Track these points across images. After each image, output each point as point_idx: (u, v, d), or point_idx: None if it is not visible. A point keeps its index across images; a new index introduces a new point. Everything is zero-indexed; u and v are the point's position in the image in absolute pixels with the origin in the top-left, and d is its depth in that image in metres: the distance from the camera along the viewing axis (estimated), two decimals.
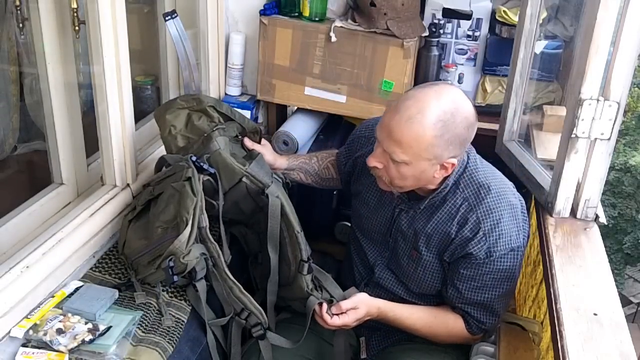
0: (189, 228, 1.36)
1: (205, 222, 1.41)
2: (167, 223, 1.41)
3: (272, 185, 1.51)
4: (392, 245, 1.58)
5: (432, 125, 1.32)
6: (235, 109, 1.67)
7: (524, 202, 1.51)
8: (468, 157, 1.49)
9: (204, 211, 1.41)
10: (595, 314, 1.27)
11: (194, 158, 1.46)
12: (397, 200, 1.55)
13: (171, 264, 1.36)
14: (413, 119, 1.33)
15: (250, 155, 1.58)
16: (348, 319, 1.45)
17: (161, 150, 1.83)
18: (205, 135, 1.54)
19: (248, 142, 1.65)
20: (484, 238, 1.43)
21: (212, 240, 1.43)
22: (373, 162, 1.43)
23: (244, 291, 1.46)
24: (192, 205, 1.38)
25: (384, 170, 1.43)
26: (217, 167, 1.49)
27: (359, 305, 1.46)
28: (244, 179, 1.51)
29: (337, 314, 1.45)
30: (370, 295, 1.51)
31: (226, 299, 1.48)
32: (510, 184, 1.52)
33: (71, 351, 1.22)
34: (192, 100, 1.60)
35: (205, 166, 1.46)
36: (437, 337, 1.56)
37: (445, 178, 1.46)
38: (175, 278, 1.38)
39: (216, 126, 1.56)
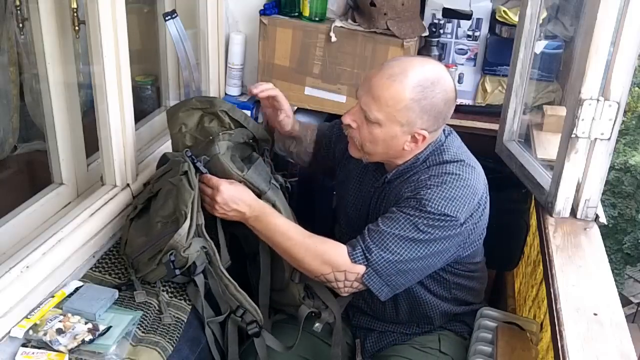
0: (188, 221, 1.37)
1: (201, 219, 1.41)
2: (166, 218, 1.42)
3: (269, 192, 1.51)
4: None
5: (412, 87, 1.34)
6: (250, 118, 1.65)
7: (488, 203, 1.48)
8: (447, 137, 1.48)
9: (200, 208, 1.41)
10: (595, 314, 1.27)
11: (189, 153, 1.45)
12: (372, 180, 1.55)
13: (172, 258, 1.36)
14: (395, 77, 1.35)
15: (250, 159, 1.58)
16: (205, 197, 1.41)
17: (161, 150, 1.84)
18: (210, 137, 1.54)
19: (254, 90, 1.59)
20: (424, 189, 1.39)
21: (208, 237, 1.43)
22: (348, 119, 1.43)
23: (239, 289, 1.46)
24: (190, 198, 1.38)
25: (357, 131, 1.43)
26: (215, 171, 1.48)
27: (221, 190, 1.40)
28: None
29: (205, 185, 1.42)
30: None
31: (222, 296, 1.48)
32: (484, 177, 1.48)
33: (71, 351, 1.22)
34: (207, 102, 1.59)
35: (200, 166, 1.45)
36: (308, 251, 1.41)
37: (419, 154, 1.45)
38: (177, 272, 1.38)
39: (224, 131, 1.56)
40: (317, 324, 1.53)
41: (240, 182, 1.49)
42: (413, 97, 1.35)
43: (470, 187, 1.41)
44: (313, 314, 1.54)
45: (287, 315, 1.63)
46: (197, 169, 1.44)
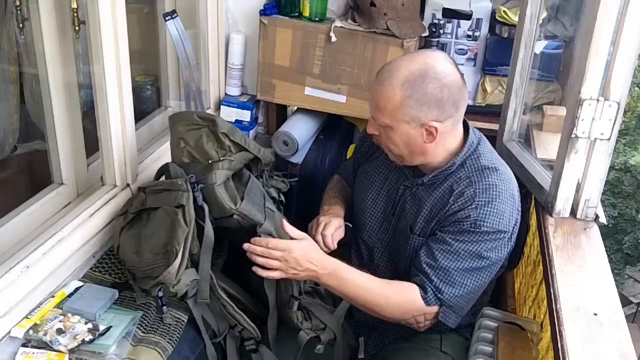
0: (178, 259, 1.35)
1: (197, 249, 1.41)
2: (158, 249, 1.39)
3: (265, 222, 1.45)
4: (394, 224, 1.58)
5: (400, 86, 1.38)
6: (249, 139, 1.60)
7: (520, 208, 1.50)
8: (479, 142, 1.51)
9: (196, 238, 1.40)
10: (595, 314, 1.27)
11: (193, 179, 1.43)
12: (402, 178, 1.56)
13: (160, 293, 1.37)
14: (383, 81, 1.40)
15: (240, 178, 1.53)
16: (274, 262, 1.37)
17: (161, 150, 1.84)
18: (210, 162, 1.49)
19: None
20: (475, 209, 1.42)
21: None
22: (369, 129, 1.49)
23: (237, 309, 1.48)
24: (183, 235, 1.36)
25: (380, 138, 1.48)
26: (210, 200, 1.44)
27: (293, 250, 1.37)
28: (235, 216, 1.45)
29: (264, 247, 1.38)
30: None
31: (219, 314, 1.49)
32: (517, 183, 1.52)
33: (71, 351, 1.23)
34: (209, 120, 1.54)
35: (199, 198, 1.42)
36: (389, 302, 1.44)
37: (454, 157, 1.47)
38: (165, 309, 1.39)
39: (225, 154, 1.51)
40: (318, 346, 1.52)
41: (233, 215, 1.44)
42: (403, 94, 1.37)
43: (512, 197, 1.47)
44: (313, 338, 1.52)
45: (287, 327, 1.62)
46: (196, 200, 1.40)
